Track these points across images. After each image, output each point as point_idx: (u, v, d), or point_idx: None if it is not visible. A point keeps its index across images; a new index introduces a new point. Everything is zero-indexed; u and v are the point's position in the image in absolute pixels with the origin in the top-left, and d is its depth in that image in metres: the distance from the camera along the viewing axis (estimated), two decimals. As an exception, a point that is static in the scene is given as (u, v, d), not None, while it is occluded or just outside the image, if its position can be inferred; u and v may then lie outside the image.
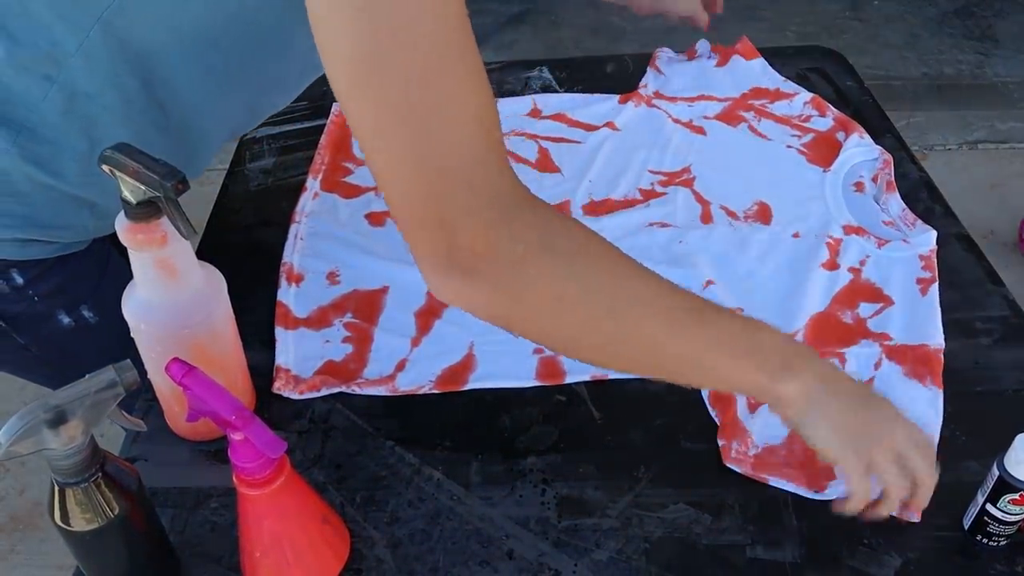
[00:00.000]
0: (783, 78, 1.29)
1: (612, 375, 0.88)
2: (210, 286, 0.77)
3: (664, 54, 1.33)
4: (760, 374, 0.67)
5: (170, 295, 0.73)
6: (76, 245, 0.89)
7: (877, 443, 0.69)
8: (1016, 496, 0.70)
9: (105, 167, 0.67)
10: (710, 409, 0.85)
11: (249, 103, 0.89)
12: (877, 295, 0.96)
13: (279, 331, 0.93)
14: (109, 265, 0.93)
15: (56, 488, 0.64)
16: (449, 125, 0.57)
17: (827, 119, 1.21)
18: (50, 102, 0.76)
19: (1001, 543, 0.74)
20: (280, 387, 0.87)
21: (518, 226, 0.60)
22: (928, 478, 0.70)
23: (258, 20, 0.77)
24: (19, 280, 0.87)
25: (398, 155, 0.58)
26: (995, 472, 0.70)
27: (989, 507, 0.71)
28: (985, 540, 0.74)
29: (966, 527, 0.75)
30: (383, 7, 0.54)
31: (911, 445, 0.70)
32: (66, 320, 0.91)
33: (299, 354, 0.90)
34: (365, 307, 0.96)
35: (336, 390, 0.87)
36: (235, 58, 0.80)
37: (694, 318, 0.66)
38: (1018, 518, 0.71)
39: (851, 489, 0.70)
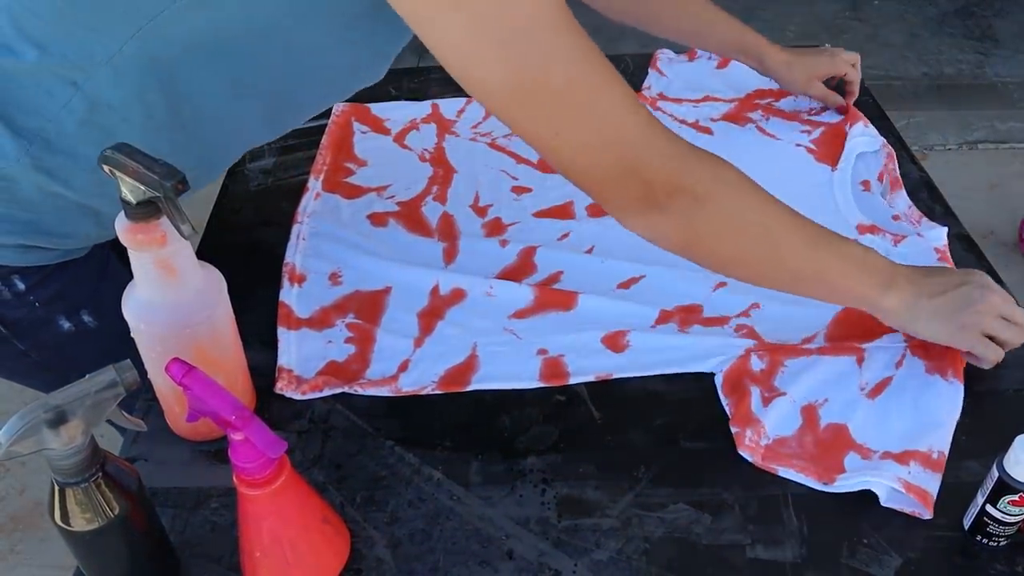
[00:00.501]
0: (783, 78, 1.29)
1: (615, 375, 0.88)
2: (210, 286, 0.76)
3: (664, 55, 1.33)
4: (871, 290, 0.83)
5: (170, 295, 0.73)
6: (77, 251, 0.89)
7: (977, 315, 0.83)
8: (1015, 497, 0.70)
9: (105, 167, 0.67)
10: (722, 399, 0.85)
11: (268, 119, 0.87)
12: None
13: (281, 331, 0.93)
14: (108, 269, 0.93)
15: (56, 488, 0.64)
16: (614, 104, 0.70)
17: (828, 116, 1.21)
18: (70, 110, 0.76)
19: (1001, 543, 0.74)
20: (283, 387, 0.87)
21: (696, 169, 0.75)
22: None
23: (290, 41, 0.76)
24: (20, 286, 0.88)
25: (583, 141, 0.71)
26: (995, 473, 0.70)
27: (989, 508, 0.71)
28: (985, 540, 0.74)
29: (966, 527, 0.75)
30: (522, 40, 0.66)
31: (1004, 302, 0.84)
32: (66, 325, 0.91)
33: (301, 354, 0.91)
34: (367, 308, 0.96)
35: (339, 390, 0.87)
36: (262, 77, 0.79)
37: (824, 241, 0.81)
38: (1018, 519, 0.71)
39: (982, 357, 0.85)
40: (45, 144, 0.77)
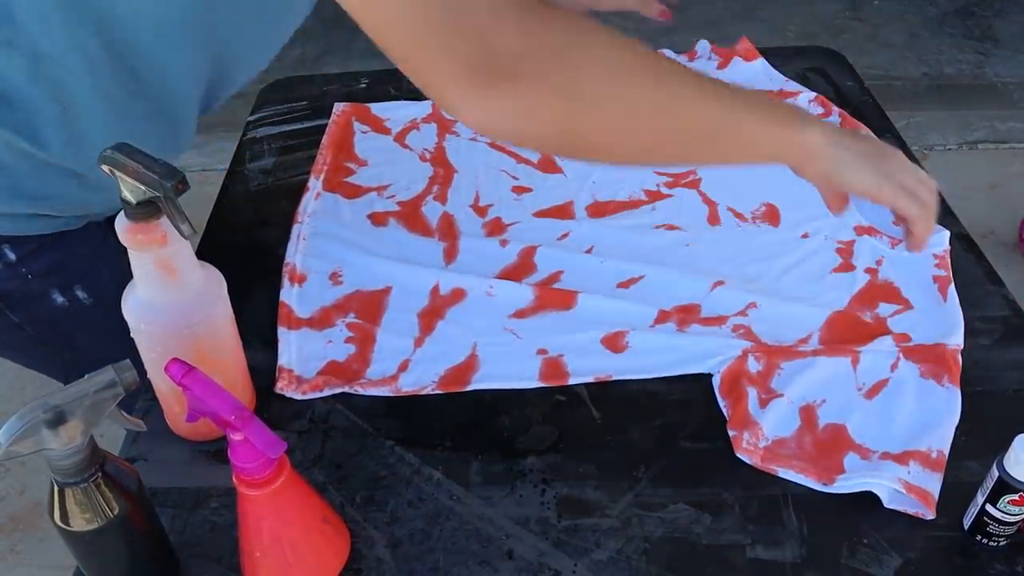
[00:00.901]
0: (785, 78, 1.29)
1: (615, 376, 0.88)
2: (210, 286, 0.76)
3: (664, 55, 1.33)
4: (788, 128, 0.72)
5: (170, 295, 0.73)
6: (71, 222, 0.88)
7: (898, 164, 0.76)
8: (1016, 497, 0.70)
9: (105, 167, 0.67)
10: (720, 400, 0.85)
11: (215, 56, 0.85)
12: (896, 296, 0.96)
13: (281, 331, 0.93)
14: (105, 247, 0.92)
15: (56, 488, 0.64)
16: None
17: (833, 118, 1.21)
18: (15, 68, 0.76)
19: (1001, 543, 0.74)
20: (283, 387, 0.87)
21: (547, 18, 0.58)
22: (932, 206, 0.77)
23: None
24: (11, 256, 0.88)
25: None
26: (995, 473, 0.70)
27: (989, 507, 0.71)
28: (985, 540, 0.74)
29: (966, 527, 0.75)
30: None
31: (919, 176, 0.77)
32: (60, 300, 0.91)
33: (301, 354, 0.90)
34: (368, 307, 0.96)
35: (339, 390, 0.87)
36: (199, 11, 0.78)
37: (727, 92, 0.69)
38: (1018, 518, 0.71)
39: (908, 212, 0.76)
40: (6, 101, 0.78)
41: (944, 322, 0.92)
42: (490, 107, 0.58)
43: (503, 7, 0.56)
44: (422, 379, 0.88)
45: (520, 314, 0.94)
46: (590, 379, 0.88)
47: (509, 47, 0.56)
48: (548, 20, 0.58)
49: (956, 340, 0.90)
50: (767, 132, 0.71)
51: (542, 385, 0.88)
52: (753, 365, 0.87)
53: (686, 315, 0.94)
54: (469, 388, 0.87)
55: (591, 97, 0.60)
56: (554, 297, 0.96)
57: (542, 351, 0.90)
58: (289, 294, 0.97)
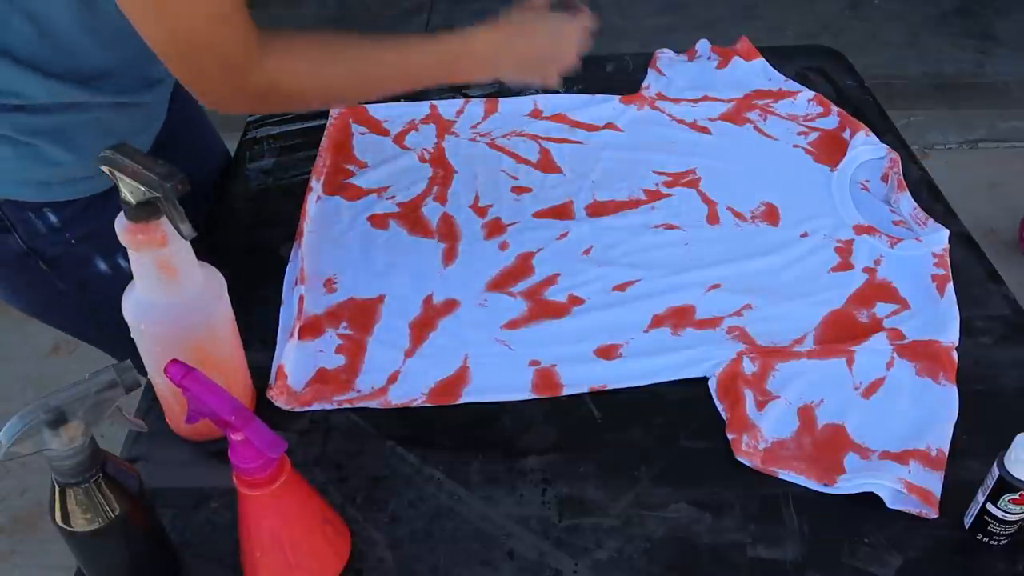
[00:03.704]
0: (784, 77, 1.29)
1: (609, 386, 0.87)
2: (210, 286, 0.77)
3: (664, 55, 1.33)
4: (453, 43, 0.90)
5: (170, 295, 0.73)
6: (106, 181, 0.90)
7: (551, 62, 0.95)
8: (1016, 496, 0.70)
9: (104, 167, 0.67)
10: (717, 403, 0.85)
11: None
12: (894, 295, 0.96)
13: (282, 331, 0.92)
14: None
15: (57, 488, 0.64)
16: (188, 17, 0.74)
17: (832, 117, 1.21)
18: None
19: (1002, 542, 0.74)
20: (275, 396, 0.86)
21: (258, 69, 0.79)
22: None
23: None
24: (53, 220, 0.91)
25: (154, 32, 0.75)
26: (995, 472, 0.70)
27: (989, 506, 0.71)
28: (986, 539, 0.74)
29: (967, 526, 0.75)
30: None
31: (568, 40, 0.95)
32: (102, 266, 0.95)
33: (294, 361, 0.90)
34: (360, 316, 0.95)
35: (328, 407, 0.86)
36: None
37: (391, 45, 0.88)
38: (1018, 517, 0.71)
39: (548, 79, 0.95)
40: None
41: (939, 319, 0.92)
42: (217, 104, 0.82)
43: (219, 64, 0.78)
44: (411, 391, 0.87)
45: (512, 324, 0.94)
46: (584, 390, 0.87)
47: (220, 91, 0.81)
48: (267, 64, 0.80)
49: (951, 337, 0.90)
50: (437, 55, 0.90)
51: (535, 397, 0.87)
52: (748, 367, 0.87)
53: (680, 319, 0.94)
54: (460, 401, 0.87)
55: (305, 99, 0.88)
56: (547, 307, 0.95)
57: (534, 362, 0.90)
58: (298, 292, 0.96)
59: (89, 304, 0.97)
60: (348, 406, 0.86)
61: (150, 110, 0.99)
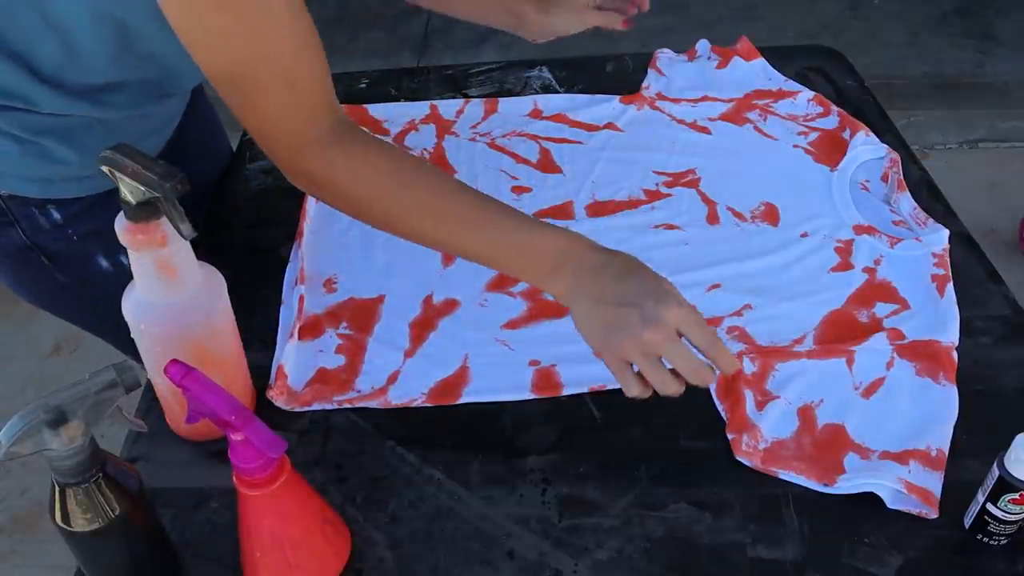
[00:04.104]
0: (784, 77, 1.29)
1: (611, 385, 0.87)
2: (210, 286, 0.77)
3: (664, 55, 1.33)
4: (532, 276, 0.79)
5: (170, 295, 0.73)
6: (108, 182, 0.91)
7: (622, 344, 0.73)
8: (1016, 496, 0.70)
9: (105, 168, 0.67)
10: (717, 404, 0.85)
11: None
12: (894, 295, 0.96)
13: (282, 330, 0.92)
14: None
15: (57, 488, 0.64)
16: (262, 88, 0.74)
17: (832, 117, 1.21)
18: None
19: (1002, 542, 0.73)
20: (275, 396, 0.86)
21: (326, 155, 0.78)
22: (704, 349, 0.73)
23: None
24: (56, 216, 0.92)
25: (243, 110, 0.76)
26: (995, 472, 0.70)
27: (989, 506, 0.71)
28: (986, 539, 0.74)
29: (967, 526, 0.75)
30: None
31: (665, 340, 0.72)
32: (104, 264, 0.95)
33: (295, 363, 0.90)
34: (360, 317, 0.95)
35: (328, 407, 0.86)
36: None
37: (478, 220, 0.78)
38: (1018, 517, 0.71)
39: (619, 379, 0.75)
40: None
41: (939, 319, 0.92)
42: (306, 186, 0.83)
43: (294, 148, 0.78)
44: (411, 391, 0.87)
45: (512, 324, 0.94)
46: (584, 389, 0.87)
47: (290, 170, 0.81)
48: (336, 154, 0.78)
49: (951, 337, 0.90)
50: (521, 274, 0.80)
51: (534, 397, 0.87)
52: (748, 367, 0.87)
53: None
54: (460, 401, 0.87)
55: (352, 210, 0.82)
56: (547, 307, 0.95)
57: (534, 362, 0.90)
58: (299, 292, 0.96)
59: (90, 299, 0.98)
60: (348, 406, 0.86)
61: (161, 119, 1.00)
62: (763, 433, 0.82)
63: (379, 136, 1.21)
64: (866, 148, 1.15)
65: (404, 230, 0.81)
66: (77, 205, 0.93)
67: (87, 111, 0.87)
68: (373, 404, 0.86)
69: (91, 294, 0.98)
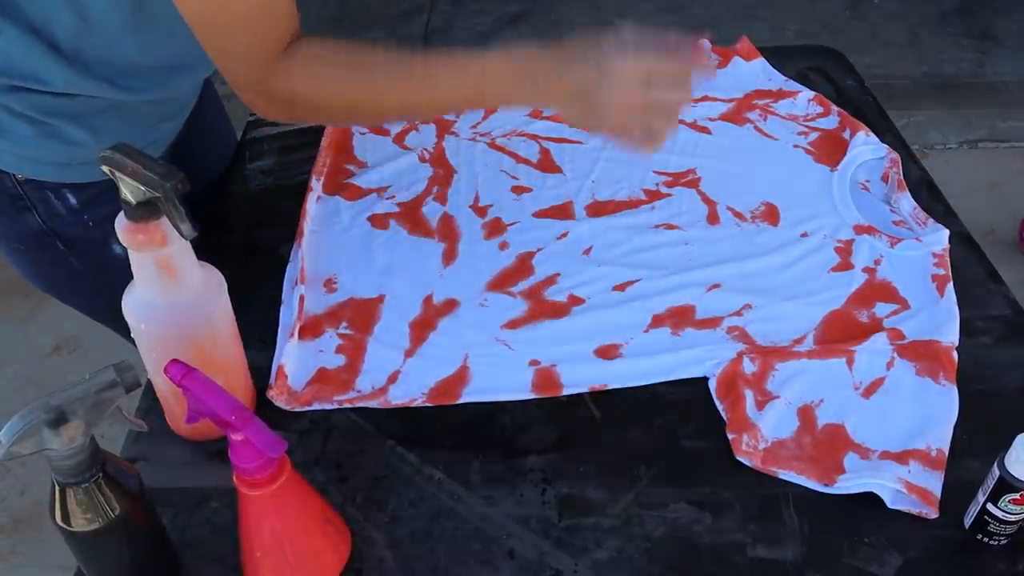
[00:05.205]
0: (784, 77, 1.29)
1: (609, 386, 0.87)
2: (210, 286, 0.77)
3: (664, 54, 1.33)
4: (486, 58, 0.81)
5: (170, 295, 0.73)
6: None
7: (610, 113, 0.78)
8: (1017, 496, 0.70)
9: (104, 167, 0.67)
10: (717, 404, 0.85)
11: None
12: (894, 295, 0.96)
13: (283, 331, 0.92)
14: None
15: (57, 488, 0.64)
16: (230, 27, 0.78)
17: (832, 117, 1.21)
18: None
19: (1002, 542, 0.74)
20: (275, 396, 0.86)
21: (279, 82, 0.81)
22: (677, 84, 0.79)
23: None
24: (72, 201, 0.93)
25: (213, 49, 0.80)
26: (995, 472, 0.70)
27: (990, 506, 0.71)
28: (986, 539, 0.74)
29: (967, 526, 0.75)
30: None
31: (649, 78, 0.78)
32: (119, 249, 0.94)
33: (294, 360, 0.90)
34: (360, 316, 0.95)
35: (328, 407, 0.86)
36: None
37: (441, 69, 0.82)
38: (1018, 517, 0.71)
39: (625, 146, 0.83)
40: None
41: (939, 319, 0.92)
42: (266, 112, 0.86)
43: (251, 79, 0.81)
44: (411, 391, 0.87)
45: (512, 324, 0.94)
46: (584, 390, 0.87)
47: (248, 99, 0.84)
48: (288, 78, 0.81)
49: (951, 337, 0.90)
50: (469, 79, 0.83)
51: (534, 397, 0.87)
52: (748, 367, 0.87)
53: (680, 318, 0.94)
54: (460, 401, 0.87)
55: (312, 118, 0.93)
56: (547, 307, 0.95)
57: (534, 362, 0.90)
58: (299, 293, 0.96)
59: (107, 285, 0.97)
60: (348, 406, 0.86)
61: (174, 106, 1.00)
62: (763, 433, 0.82)
63: (378, 135, 1.22)
64: (866, 148, 1.15)
65: (374, 108, 0.86)
66: (93, 189, 0.93)
67: (102, 92, 0.87)
68: (373, 404, 0.86)
69: (107, 280, 0.96)
